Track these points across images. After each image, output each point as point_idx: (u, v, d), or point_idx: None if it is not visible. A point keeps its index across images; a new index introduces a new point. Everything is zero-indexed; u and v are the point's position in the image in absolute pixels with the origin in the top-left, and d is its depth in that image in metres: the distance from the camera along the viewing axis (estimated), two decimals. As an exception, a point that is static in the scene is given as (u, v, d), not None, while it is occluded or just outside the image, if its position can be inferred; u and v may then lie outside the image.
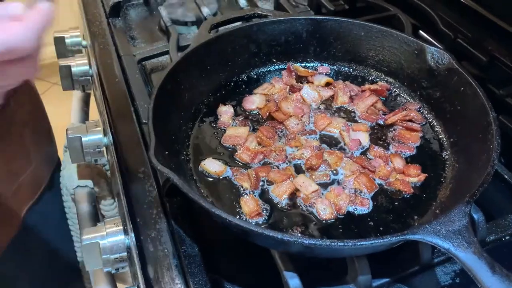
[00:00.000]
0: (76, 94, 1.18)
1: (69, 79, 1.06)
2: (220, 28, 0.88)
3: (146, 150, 0.75)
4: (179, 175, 0.57)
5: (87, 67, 1.06)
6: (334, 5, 1.06)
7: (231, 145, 0.70)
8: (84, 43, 1.13)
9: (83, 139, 0.88)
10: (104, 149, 0.90)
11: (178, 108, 0.71)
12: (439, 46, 0.96)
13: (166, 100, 0.67)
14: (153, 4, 1.18)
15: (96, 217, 0.97)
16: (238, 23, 0.89)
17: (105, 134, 0.89)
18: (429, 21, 1.00)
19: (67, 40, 1.13)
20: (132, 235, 0.67)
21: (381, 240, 0.49)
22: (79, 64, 1.05)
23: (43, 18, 0.50)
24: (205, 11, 0.98)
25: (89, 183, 1.01)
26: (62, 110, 1.62)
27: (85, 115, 1.17)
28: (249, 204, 0.61)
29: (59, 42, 1.12)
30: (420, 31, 1.03)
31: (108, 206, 1.04)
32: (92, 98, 1.21)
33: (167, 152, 0.62)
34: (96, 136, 0.89)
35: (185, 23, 1.06)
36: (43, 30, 0.50)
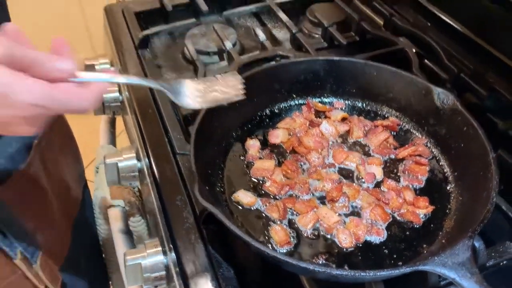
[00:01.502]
0: (104, 117, 1.27)
1: (101, 106, 1.15)
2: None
3: (181, 179, 0.84)
4: (217, 206, 0.66)
5: (117, 94, 1.15)
6: (346, 37, 1.14)
7: (259, 177, 0.79)
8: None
9: (119, 164, 0.97)
10: (137, 173, 0.99)
11: (212, 145, 0.80)
12: (444, 75, 1.05)
13: (203, 139, 0.75)
14: (175, 32, 1.26)
15: (129, 235, 1.06)
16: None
17: (138, 160, 0.98)
18: (434, 54, 1.09)
19: (97, 67, 1.22)
20: (172, 254, 0.75)
21: (397, 271, 0.58)
22: (110, 91, 1.14)
23: (104, 87, 0.58)
24: (228, 45, 1.06)
25: (121, 202, 1.10)
26: (82, 125, 1.70)
27: (112, 136, 1.26)
28: (279, 234, 0.69)
29: (89, 70, 1.21)
30: (426, 61, 1.12)
31: (136, 222, 1.13)
32: (118, 119, 1.30)
33: (207, 187, 0.71)
34: (131, 162, 0.98)
35: (207, 53, 1.15)
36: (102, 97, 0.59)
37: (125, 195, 1.10)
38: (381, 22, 1.24)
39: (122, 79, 0.64)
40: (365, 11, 1.30)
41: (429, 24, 1.17)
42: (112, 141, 1.24)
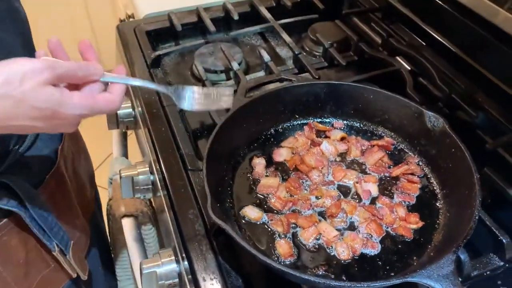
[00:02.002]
0: (116, 130, 1.35)
1: (115, 121, 1.22)
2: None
3: (193, 194, 0.91)
4: (227, 221, 0.73)
5: (130, 110, 1.22)
6: (345, 57, 1.22)
7: (265, 193, 0.86)
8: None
9: (135, 178, 1.04)
10: (151, 186, 1.06)
11: (222, 163, 0.87)
12: (437, 93, 1.12)
13: (213, 159, 0.82)
14: (183, 50, 1.33)
15: (141, 243, 1.13)
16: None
17: (151, 173, 1.06)
18: (428, 73, 1.16)
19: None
20: (185, 263, 0.83)
21: (389, 282, 0.66)
22: (124, 107, 1.21)
23: (124, 89, 0.70)
24: (235, 66, 1.14)
25: (134, 212, 1.18)
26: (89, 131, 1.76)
27: (124, 148, 1.34)
28: (283, 247, 0.77)
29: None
30: (420, 78, 1.19)
31: (148, 230, 1.20)
32: (129, 132, 1.37)
33: (218, 205, 0.78)
34: (145, 176, 1.05)
35: (215, 71, 1.22)
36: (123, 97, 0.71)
37: (138, 206, 1.18)
38: (379, 41, 1.31)
39: (138, 82, 0.77)
40: (363, 30, 1.38)
41: (424, 44, 1.25)
42: (125, 153, 1.31)
